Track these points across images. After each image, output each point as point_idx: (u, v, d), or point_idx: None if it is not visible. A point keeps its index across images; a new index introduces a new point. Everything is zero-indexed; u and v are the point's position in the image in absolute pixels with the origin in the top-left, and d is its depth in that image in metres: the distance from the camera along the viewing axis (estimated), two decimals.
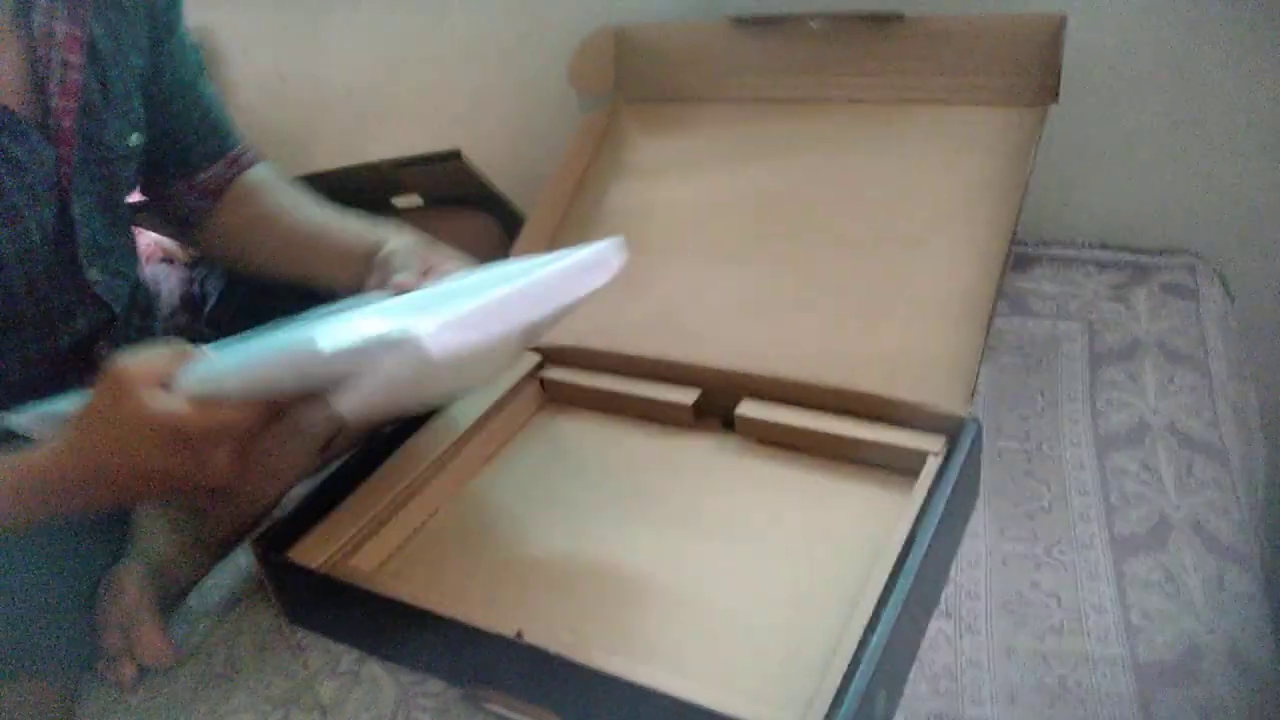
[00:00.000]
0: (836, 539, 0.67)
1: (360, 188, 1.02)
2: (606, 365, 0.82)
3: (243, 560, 0.77)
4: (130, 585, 0.68)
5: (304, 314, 0.59)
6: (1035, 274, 0.97)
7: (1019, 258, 0.99)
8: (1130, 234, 0.99)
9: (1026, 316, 0.92)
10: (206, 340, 0.59)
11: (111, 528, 0.73)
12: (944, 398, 0.69)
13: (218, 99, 0.85)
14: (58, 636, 0.67)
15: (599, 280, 0.62)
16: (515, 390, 0.82)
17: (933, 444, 0.68)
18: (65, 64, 0.67)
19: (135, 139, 0.75)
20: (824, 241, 0.82)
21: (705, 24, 0.97)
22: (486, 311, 0.53)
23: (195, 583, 0.76)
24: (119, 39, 0.72)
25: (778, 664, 0.58)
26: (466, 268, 0.69)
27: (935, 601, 0.66)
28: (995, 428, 0.79)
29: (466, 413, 0.79)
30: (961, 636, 0.63)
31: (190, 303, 1.03)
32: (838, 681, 0.52)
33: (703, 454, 0.77)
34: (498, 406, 0.80)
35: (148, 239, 1.08)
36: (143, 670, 0.68)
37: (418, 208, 1.10)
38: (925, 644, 0.63)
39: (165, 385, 0.54)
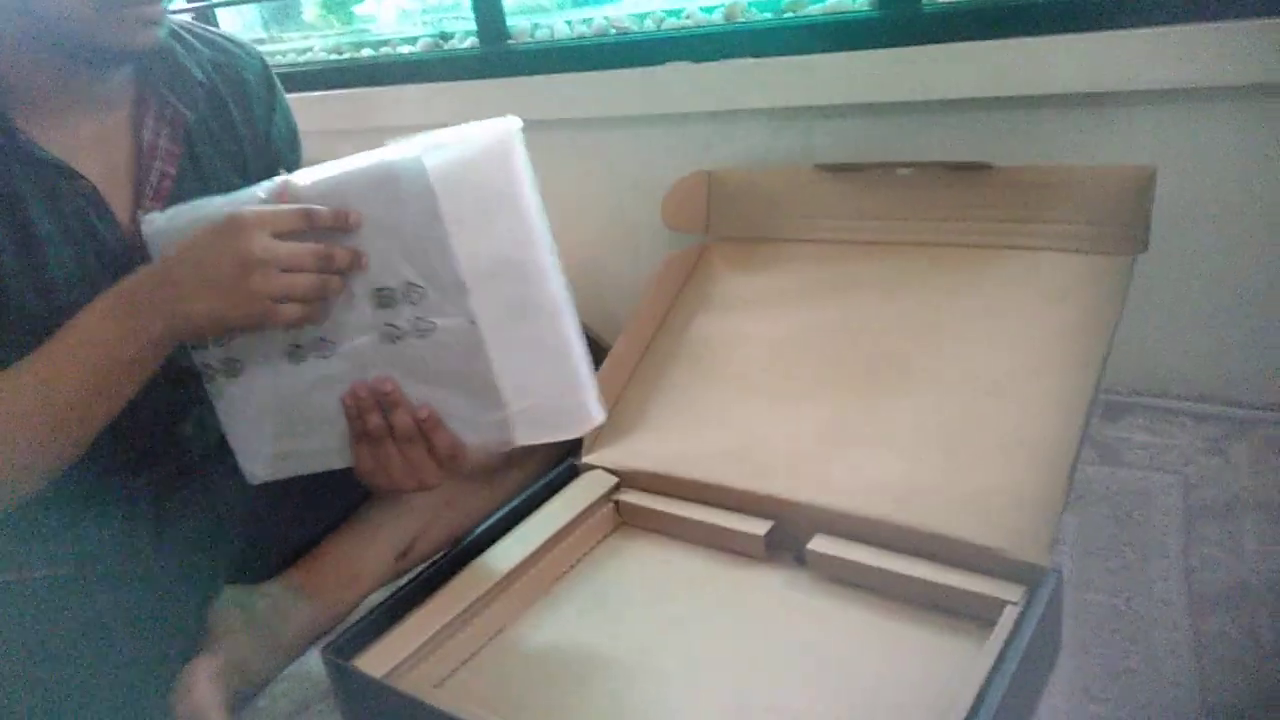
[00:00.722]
0: (905, 689, 0.64)
1: None
2: (681, 492, 0.83)
3: (314, 664, 0.79)
4: (202, 680, 0.70)
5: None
6: (1127, 423, 0.94)
7: (1110, 406, 0.96)
8: (1229, 387, 0.96)
9: (1117, 466, 0.89)
10: None
11: (189, 623, 0.76)
12: (1024, 545, 0.67)
13: None
14: None
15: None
16: (589, 511, 0.83)
17: (1011, 593, 0.66)
18: (163, 174, 0.76)
19: None
20: (904, 381, 0.82)
21: (794, 169, 1.01)
22: None
23: (267, 683, 0.77)
24: (220, 162, 0.80)
25: None
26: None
27: None
28: (1080, 580, 0.76)
29: (540, 530, 0.80)
30: None
31: None
32: None
33: (772, 588, 0.76)
34: (571, 526, 0.81)
35: None
36: None
37: None
38: None
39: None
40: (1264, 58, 0.83)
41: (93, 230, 0.71)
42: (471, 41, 1.29)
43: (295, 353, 0.67)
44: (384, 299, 0.65)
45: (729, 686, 0.67)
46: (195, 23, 0.84)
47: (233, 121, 0.81)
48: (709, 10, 1.16)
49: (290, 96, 0.89)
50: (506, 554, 0.78)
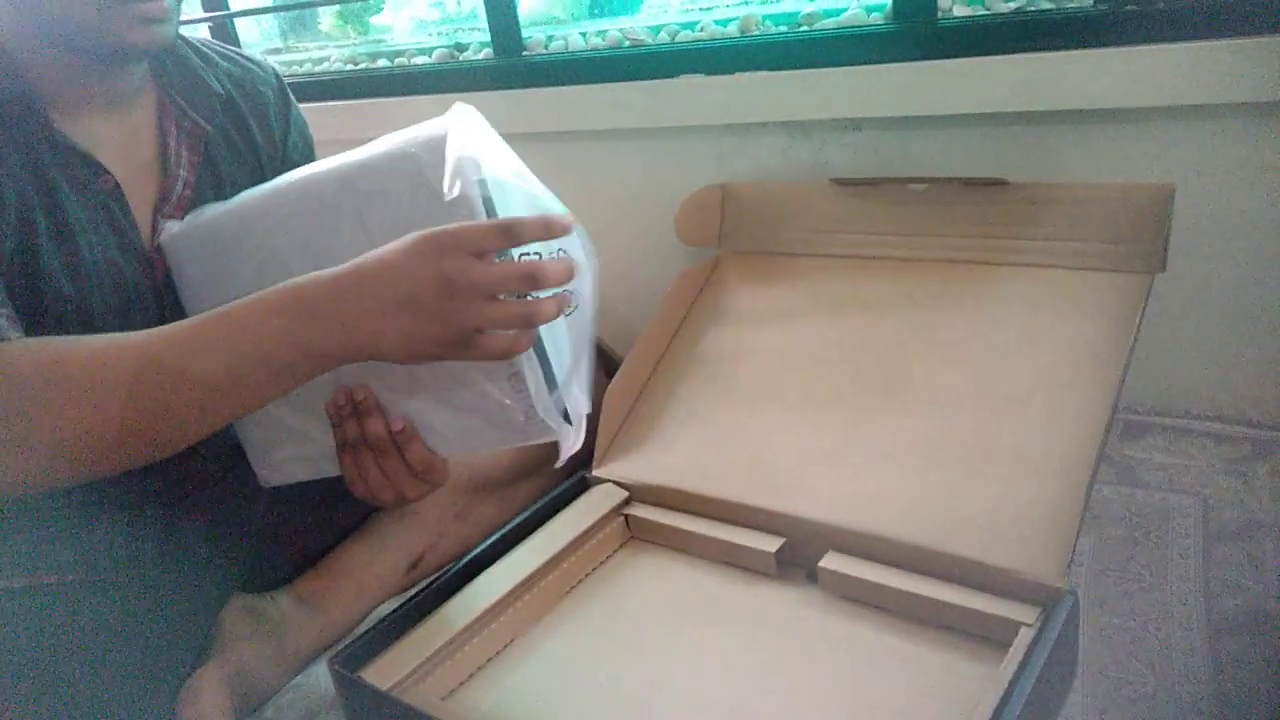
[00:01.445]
0: (918, 711, 0.63)
1: None
2: (692, 506, 0.82)
3: (321, 675, 0.78)
4: (208, 688, 0.70)
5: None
6: (1146, 443, 0.93)
7: (1129, 425, 0.95)
8: (1249, 407, 0.95)
9: (1135, 487, 0.88)
10: None
11: (197, 631, 0.76)
12: (1039, 565, 0.66)
13: None
14: None
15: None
16: (599, 525, 0.83)
17: (1026, 614, 0.65)
18: (185, 182, 0.76)
19: None
20: (919, 398, 0.81)
21: (809, 183, 1.01)
22: None
23: (274, 693, 0.77)
24: (237, 172, 0.80)
25: None
26: None
27: None
28: (1096, 602, 0.74)
29: (550, 543, 0.79)
30: None
31: None
32: None
33: (783, 606, 0.75)
34: (581, 540, 0.81)
35: None
36: None
37: None
38: None
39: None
40: None
41: (117, 225, 0.72)
42: (486, 53, 1.29)
43: None
44: None
45: (738, 703, 0.66)
46: (211, 40, 0.85)
47: (251, 133, 0.81)
48: (724, 23, 1.16)
49: (306, 106, 0.89)
50: (515, 567, 0.78)
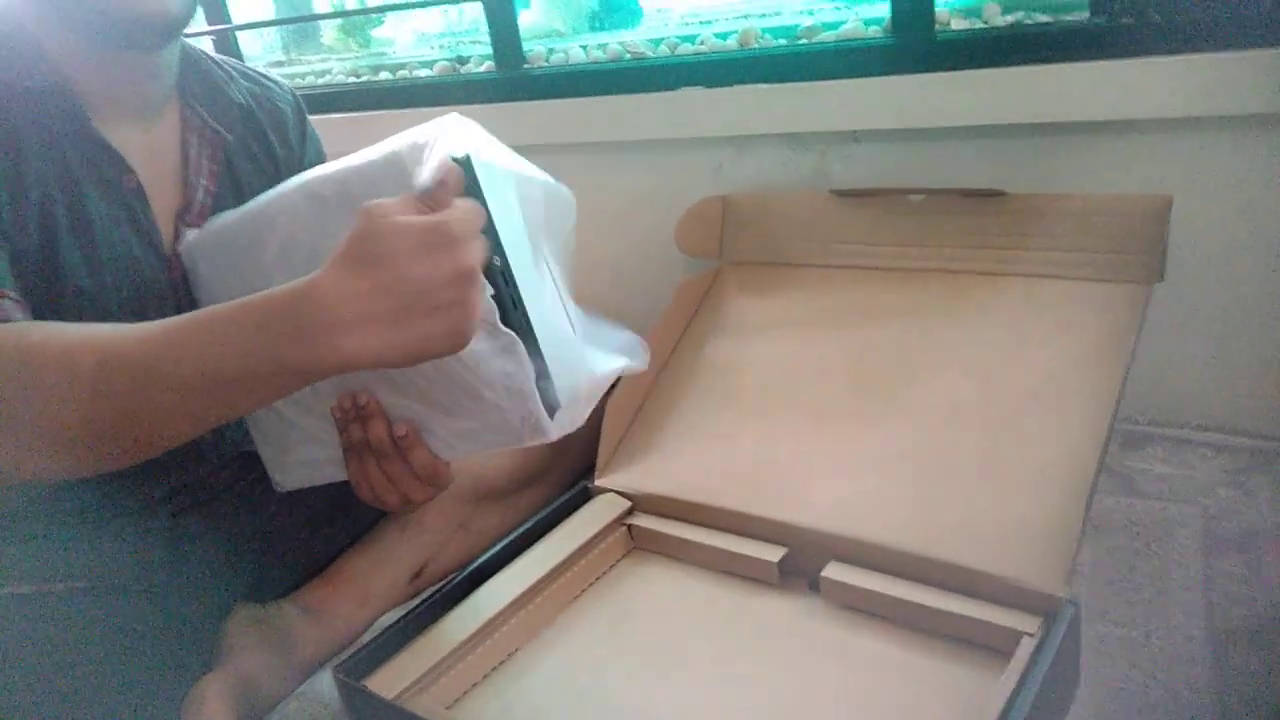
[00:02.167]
0: None
1: None
2: (694, 516, 0.83)
3: (326, 684, 0.78)
4: (212, 697, 0.70)
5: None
6: (1147, 454, 0.93)
7: (1130, 436, 0.96)
8: (1249, 418, 0.95)
9: (1136, 497, 0.88)
10: None
11: (202, 639, 0.76)
12: (1040, 575, 0.66)
13: None
14: None
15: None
16: (602, 534, 0.83)
17: (1027, 624, 0.65)
18: (206, 190, 0.77)
19: None
20: (919, 408, 0.81)
21: (808, 194, 1.01)
22: None
23: (278, 702, 0.77)
24: (257, 183, 0.81)
25: None
26: None
27: None
28: (1098, 611, 0.75)
29: (553, 553, 0.80)
30: None
31: None
32: None
33: (786, 615, 0.75)
34: (584, 549, 0.81)
35: None
36: None
37: None
38: None
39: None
40: None
41: (138, 224, 0.73)
42: (488, 65, 1.30)
43: None
44: None
45: (740, 713, 0.66)
46: (231, 58, 0.87)
47: (270, 145, 0.83)
48: (723, 36, 1.17)
49: (309, 118, 0.90)
50: (519, 577, 0.78)
